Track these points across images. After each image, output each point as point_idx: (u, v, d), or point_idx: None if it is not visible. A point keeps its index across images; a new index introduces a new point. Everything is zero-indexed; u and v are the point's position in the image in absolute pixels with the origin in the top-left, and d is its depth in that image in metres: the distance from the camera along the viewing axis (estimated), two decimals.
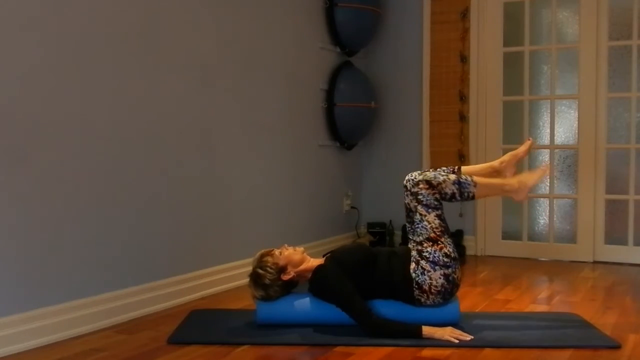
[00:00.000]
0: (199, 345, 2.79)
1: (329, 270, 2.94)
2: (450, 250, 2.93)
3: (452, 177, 2.95)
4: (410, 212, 3.00)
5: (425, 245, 2.92)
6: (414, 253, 2.96)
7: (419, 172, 3.01)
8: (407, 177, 3.00)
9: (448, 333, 2.79)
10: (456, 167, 3.20)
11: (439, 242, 2.91)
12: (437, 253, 2.91)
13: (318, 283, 2.96)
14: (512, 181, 3.05)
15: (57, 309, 2.90)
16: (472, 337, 2.80)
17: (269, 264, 3.00)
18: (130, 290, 3.27)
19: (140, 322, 3.20)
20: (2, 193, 2.70)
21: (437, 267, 2.90)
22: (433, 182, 2.93)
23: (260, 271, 2.99)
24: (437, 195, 2.93)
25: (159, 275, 3.46)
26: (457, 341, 2.76)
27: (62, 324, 2.91)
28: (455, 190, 2.92)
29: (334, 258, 3.01)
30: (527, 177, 3.04)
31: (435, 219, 2.92)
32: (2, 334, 2.68)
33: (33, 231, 2.82)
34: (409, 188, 2.99)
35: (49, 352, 2.73)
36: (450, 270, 2.91)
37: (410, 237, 3.02)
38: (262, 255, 3.05)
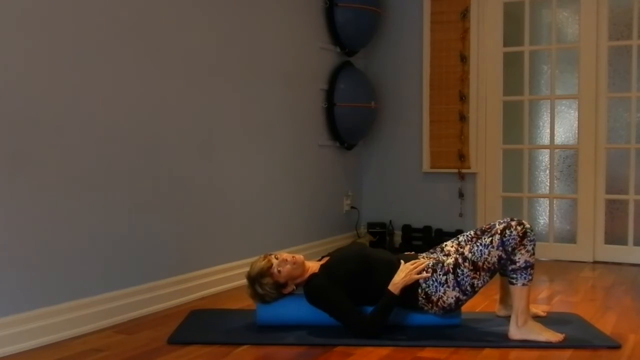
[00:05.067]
0: (199, 345, 2.79)
1: (320, 283, 2.92)
2: (480, 285, 2.87)
3: (532, 260, 2.82)
4: (485, 233, 2.92)
5: (466, 264, 2.85)
6: (450, 260, 2.90)
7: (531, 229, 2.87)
8: (524, 221, 2.86)
9: (409, 270, 2.88)
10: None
11: (478, 274, 2.84)
12: (468, 279, 2.84)
13: (310, 294, 2.94)
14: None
15: (57, 309, 2.90)
16: (429, 261, 2.91)
17: (269, 285, 2.95)
18: (130, 290, 3.27)
19: (140, 322, 3.20)
20: (2, 194, 2.70)
21: (457, 288, 2.86)
22: (528, 243, 2.80)
23: (261, 291, 2.96)
24: (515, 250, 2.79)
25: (159, 275, 3.45)
26: (427, 274, 2.87)
27: (62, 324, 2.91)
28: (522, 266, 2.80)
29: (326, 267, 2.99)
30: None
31: (495, 258, 2.81)
32: (2, 334, 2.68)
33: (33, 232, 2.82)
34: (511, 221, 2.85)
35: (49, 352, 2.73)
36: (464, 297, 2.89)
37: (462, 245, 3.01)
38: (262, 275, 2.95)
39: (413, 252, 3.17)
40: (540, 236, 5.09)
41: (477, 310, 3.35)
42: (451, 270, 2.87)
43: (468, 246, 2.92)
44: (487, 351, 2.69)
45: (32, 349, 2.76)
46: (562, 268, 4.58)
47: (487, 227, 3.01)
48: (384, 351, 2.68)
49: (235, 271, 3.92)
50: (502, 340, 2.80)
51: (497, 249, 2.80)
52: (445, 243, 3.17)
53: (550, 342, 2.75)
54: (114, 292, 3.18)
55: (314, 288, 2.92)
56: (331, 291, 2.88)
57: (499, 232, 2.82)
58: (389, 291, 2.86)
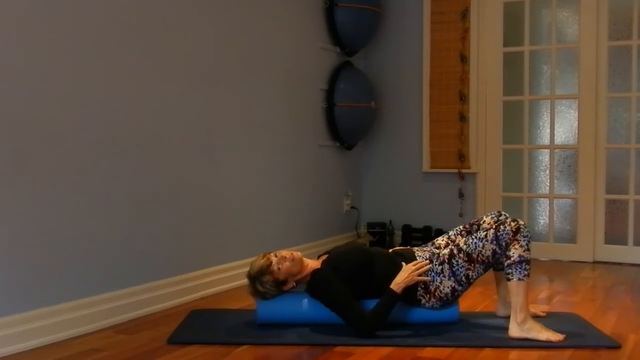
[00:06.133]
0: (199, 345, 2.79)
1: (324, 276, 2.93)
2: (474, 277, 2.93)
3: (527, 256, 2.83)
4: (474, 226, 3.11)
5: (461, 256, 2.91)
6: (445, 251, 2.97)
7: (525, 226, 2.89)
8: (518, 219, 2.91)
9: (411, 271, 2.91)
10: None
11: (473, 265, 2.90)
12: (463, 270, 2.91)
13: (314, 288, 2.96)
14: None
15: (57, 309, 2.90)
16: (429, 263, 2.94)
17: (269, 283, 2.98)
18: (130, 290, 3.27)
19: (140, 322, 3.20)
20: (2, 194, 2.70)
21: (452, 278, 2.92)
22: (521, 239, 2.84)
23: (261, 289, 2.99)
24: (509, 245, 2.84)
25: (159, 275, 3.45)
26: (428, 278, 2.91)
27: (62, 324, 2.91)
28: (516, 260, 2.82)
29: (329, 262, 3.01)
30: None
31: (489, 251, 2.87)
32: (2, 334, 2.68)
33: (33, 231, 2.82)
34: (502, 216, 3.04)
35: (49, 352, 2.73)
36: (460, 288, 2.94)
37: (452, 238, 3.11)
38: (262, 273, 2.97)
39: (408, 247, 3.20)
40: (540, 236, 5.10)
41: (477, 310, 3.35)
42: (446, 260, 2.94)
43: (463, 239, 3.00)
44: (487, 351, 2.69)
45: (32, 349, 2.76)
46: (562, 268, 4.58)
47: (474, 221, 3.13)
48: (384, 351, 2.68)
49: (235, 271, 3.92)
50: (502, 340, 2.80)
51: (491, 243, 2.86)
52: (436, 239, 3.23)
53: (551, 342, 2.75)
54: (114, 292, 3.18)
55: (318, 280, 2.94)
56: (334, 284, 2.90)
57: (493, 226, 2.90)
58: (391, 290, 2.88)
